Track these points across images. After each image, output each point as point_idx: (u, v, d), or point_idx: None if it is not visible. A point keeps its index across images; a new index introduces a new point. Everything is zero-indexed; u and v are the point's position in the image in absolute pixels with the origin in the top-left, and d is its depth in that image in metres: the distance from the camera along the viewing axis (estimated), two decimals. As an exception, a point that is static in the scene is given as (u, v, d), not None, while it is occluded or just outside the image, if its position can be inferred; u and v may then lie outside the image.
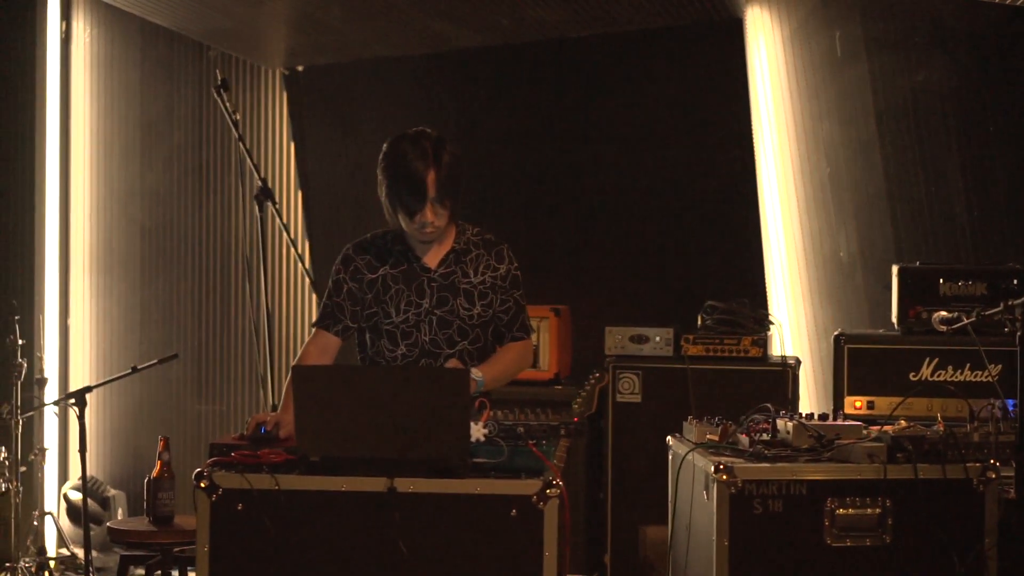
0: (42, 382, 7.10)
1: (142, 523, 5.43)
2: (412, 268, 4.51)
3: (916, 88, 6.52)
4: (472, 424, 3.77)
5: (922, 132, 6.52)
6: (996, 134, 6.37)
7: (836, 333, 5.68)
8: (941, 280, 5.56)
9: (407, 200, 4.34)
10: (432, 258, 4.52)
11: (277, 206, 6.05)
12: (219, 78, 5.92)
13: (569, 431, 4.00)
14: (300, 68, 8.33)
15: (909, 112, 6.59)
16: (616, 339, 6.14)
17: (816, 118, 6.93)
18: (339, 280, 4.56)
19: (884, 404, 5.39)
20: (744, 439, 4.18)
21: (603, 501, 6.10)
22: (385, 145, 4.43)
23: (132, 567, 5.53)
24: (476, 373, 4.33)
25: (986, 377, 5.29)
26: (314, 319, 4.61)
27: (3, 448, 6.27)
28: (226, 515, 3.71)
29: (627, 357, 6.10)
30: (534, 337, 5.60)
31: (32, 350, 7.13)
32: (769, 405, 4.29)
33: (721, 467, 3.93)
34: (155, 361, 6.53)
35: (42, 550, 7.09)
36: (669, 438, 4.64)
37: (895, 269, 5.68)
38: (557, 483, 3.68)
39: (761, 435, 4.17)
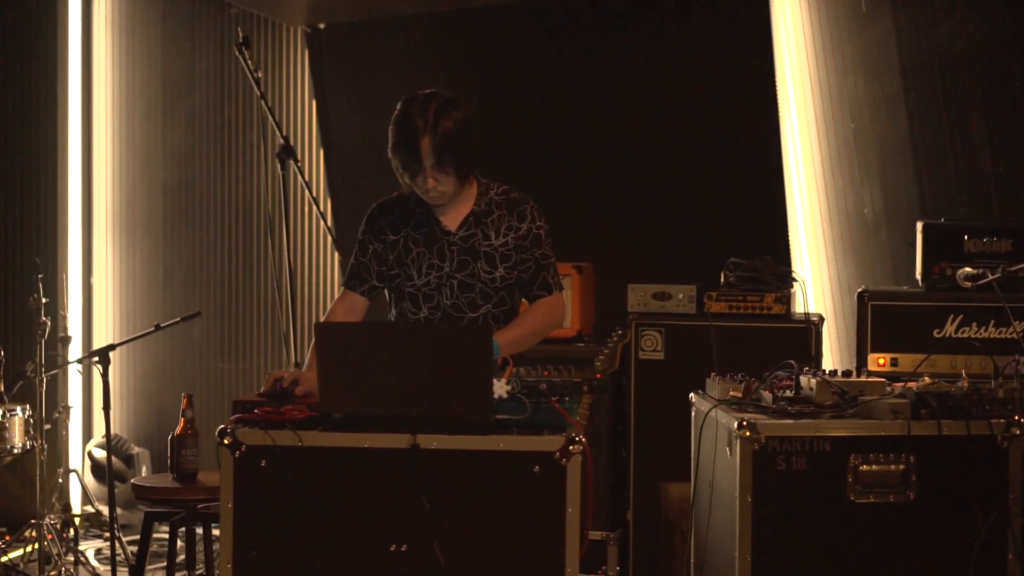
0: (66, 340, 7.13)
1: (166, 480, 5.45)
2: (432, 231, 4.47)
3: (942, 43, 6.47)
4: (495, 381, 3.76)
5: (947, 87, 6.46)
6: (1022, 89, 6.31)
7: (860, 290, 5.64)
8: (966, 236, 5.50)
9: (407, 163, 4.30)
10: (452, 220, 4.48)
11: (299, 164, 6.03)
12: (240, 36, 5.89)
13: (592, 388, 3.99)
14: (322, 26, 8.30)
15: (935, 67, 6.53)
16: (639, 296, 6.11)
17: (841, 74, 6.89)
18: (364, 240, 4.54)
19: (908, 361, 5.35)
20: (767, 396, 4.17)
21: (625, 458, 6.09)
22: (399, 103, 4.39)
23: (156, 523, 5.54)
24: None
25: (1011, 334, 5.26)
26: (336, 276, 4.59)
27: (28, 406, 6.30)
28: (249, 471, 3.72)
29: (650, 314, 6.07)
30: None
31: (55, 308, 7.15)
32: (792, 362, 4.28)
33: (744, 424, 3.92)
34: (178, 319, 6.55)
35: (67, 507, 7.14)
36: (692, 395, 4.63)
37: (919, 225, 5.63)
38: (580, 439, 3.68)
39: (784, 392, 4.15)
